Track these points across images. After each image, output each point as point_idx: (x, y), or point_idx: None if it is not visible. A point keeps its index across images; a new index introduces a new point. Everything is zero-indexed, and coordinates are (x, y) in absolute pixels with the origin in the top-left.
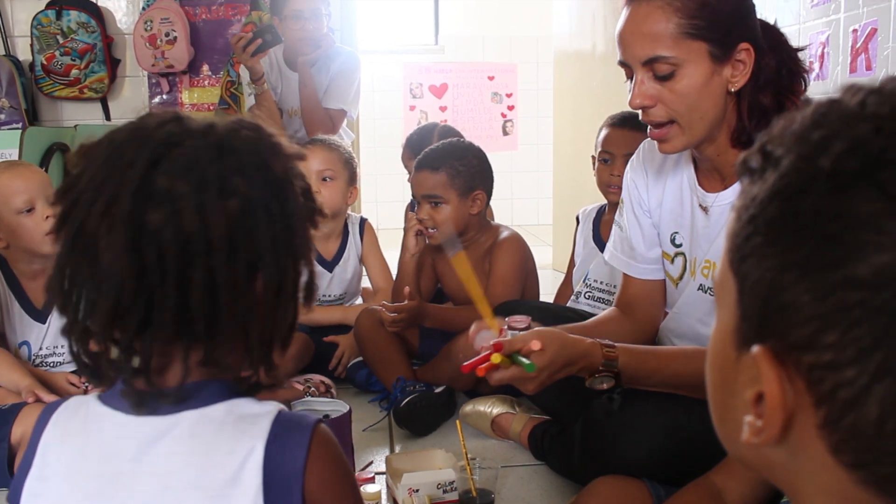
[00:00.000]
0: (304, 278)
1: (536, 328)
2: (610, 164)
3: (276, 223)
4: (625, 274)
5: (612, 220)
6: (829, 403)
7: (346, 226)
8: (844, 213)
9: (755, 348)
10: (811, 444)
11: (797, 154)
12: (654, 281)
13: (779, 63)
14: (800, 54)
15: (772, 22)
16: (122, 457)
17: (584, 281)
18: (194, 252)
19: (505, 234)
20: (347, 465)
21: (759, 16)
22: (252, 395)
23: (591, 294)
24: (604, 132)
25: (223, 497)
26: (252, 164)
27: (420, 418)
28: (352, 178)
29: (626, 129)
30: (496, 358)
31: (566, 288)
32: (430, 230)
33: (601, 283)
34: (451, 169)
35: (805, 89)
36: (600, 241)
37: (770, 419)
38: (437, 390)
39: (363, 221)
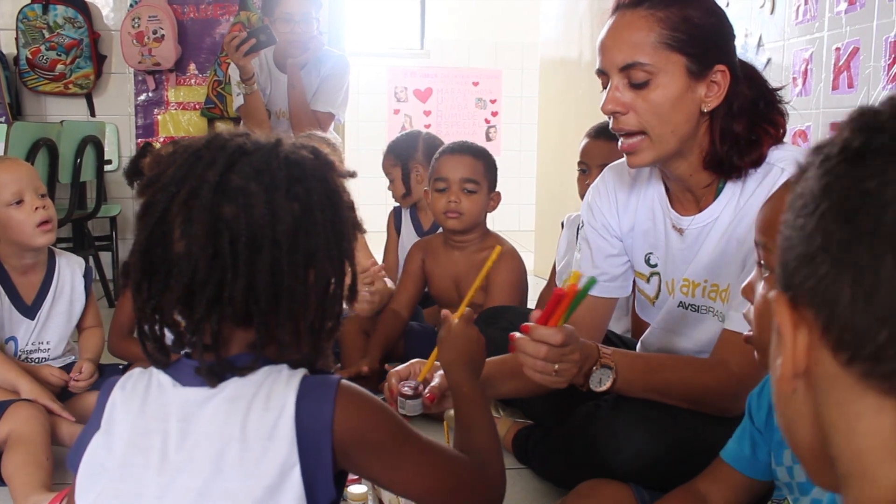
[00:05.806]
0: (348, 279)
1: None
2: (587, 174)
3: (328, 227)
4: None
5: None
6: None
7: None
8: None
9: None
10: None
11: None
12: (602, 300)
13: (756, 95)
14: (780, 92)
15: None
16: (174, 417)
17: None
18: (262, 241)
19: (506, 246)
20: (375, 403)
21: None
22: None
23: None
24: (583, 142)
25: (263, 448)
26: (313, 175)
27: None
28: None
29: (601, 140)
30: (572, 280)
31: (549, 291)
32: (455, 214)
33: None
34: (487, 162)
35: (785, 121)
36: None
37: None
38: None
39: None
